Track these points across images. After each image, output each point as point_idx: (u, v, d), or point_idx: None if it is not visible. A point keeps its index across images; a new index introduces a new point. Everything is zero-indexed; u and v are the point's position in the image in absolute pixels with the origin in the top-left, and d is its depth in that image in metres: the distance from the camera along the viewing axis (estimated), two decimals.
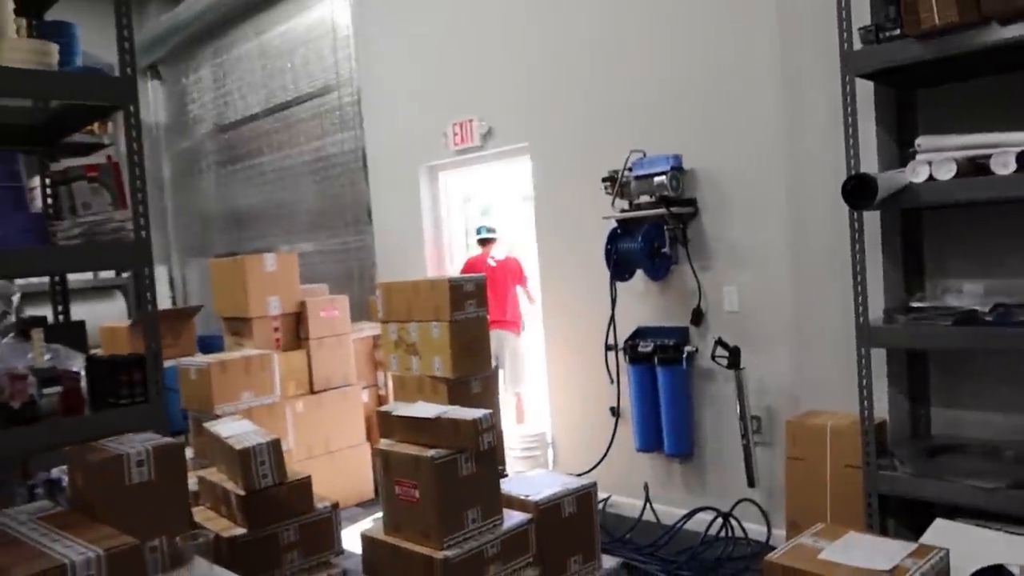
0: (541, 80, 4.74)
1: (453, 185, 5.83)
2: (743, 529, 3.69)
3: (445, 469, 2.74)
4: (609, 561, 3.23)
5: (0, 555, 1.78)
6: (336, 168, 6.67)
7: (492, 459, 2.88)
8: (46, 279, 3.17)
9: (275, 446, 3.00)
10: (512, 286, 5.34)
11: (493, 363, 5.78)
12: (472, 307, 3.84)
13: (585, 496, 3.15)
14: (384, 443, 2.98)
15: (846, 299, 3.00)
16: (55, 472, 2.90)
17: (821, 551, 2.45)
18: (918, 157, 2.77)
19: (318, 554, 3.03)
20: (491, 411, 2.84)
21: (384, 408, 3.10)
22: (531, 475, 3.38)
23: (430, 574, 2.68)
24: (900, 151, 3.12)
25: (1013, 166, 2.49)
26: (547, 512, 3.00)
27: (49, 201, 2.91)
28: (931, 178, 2.69)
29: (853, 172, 2.83)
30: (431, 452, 2.75)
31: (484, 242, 5.44)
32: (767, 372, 3.73)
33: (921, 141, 2.83)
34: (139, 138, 2.35)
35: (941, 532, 2.67)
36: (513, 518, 2.91)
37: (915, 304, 2.96)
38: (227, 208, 8.08)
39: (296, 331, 5.00)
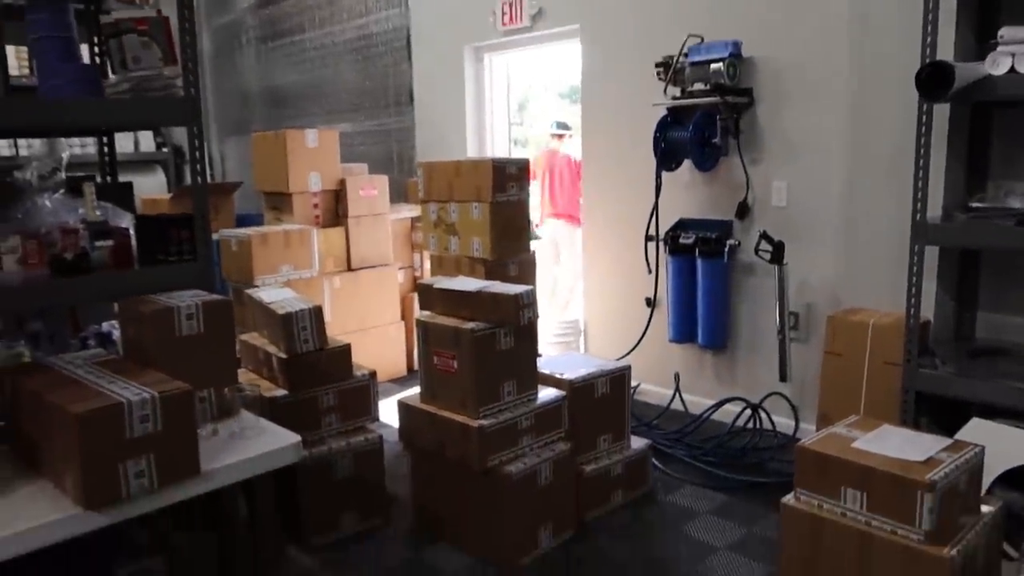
0: None
1: (498, 68, 5.67)
2: (771, 422, 3.73)
3: (484, 342, 2.77)
4: (637, 442, 3.30)
5: (60, 393, 1.86)
6: (379, 47, 6.49)
7: (530, 335, 2.91)
8: (92, 150, 3.17)
9: (316, 312, 3.05)
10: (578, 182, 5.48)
11: (554, 253, 6.15)
12: (514, 189, 3.80)
13: (618, 378, 3.19)
14: (424, 315, 3.01)
15: (901, 197, 2.91)
16: (105, 326, 3.00)
17: (855, 440, 2.47)
18: (999, 48, 2.61)
19: (355, 419, 3.12)
20: (532, 288, 2.85)
21: (425, 281, 3.12)
22: (567, 356, 3.42)
23: (466, 440, 2.76)
24: (978, 44, 2.95)
25: None
26: (580, 391, 3.05)
27: (98, 56, 2.89)
28: (1013, 70, 2.55)
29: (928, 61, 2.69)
30: (471, 325, 2.78)
31: (558, 137, 5.66)
32: (810, 269, 3.67)
33: (1005, 32, 2.65)
34: None
35: (977, 430, 2.68)
36: (548, 394, 2.97)
37: (975, 204, 2.86)
38: (267, 86, 7.98)
39: (335, 209, 5.01)
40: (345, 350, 3.12)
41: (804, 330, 3.73)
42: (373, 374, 3.19)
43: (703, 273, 3.94)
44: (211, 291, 2.42)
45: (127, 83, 2.44)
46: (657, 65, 4.02)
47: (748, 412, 3.70)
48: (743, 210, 3.88)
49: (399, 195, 5.77)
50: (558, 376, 3.06)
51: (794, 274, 3.67)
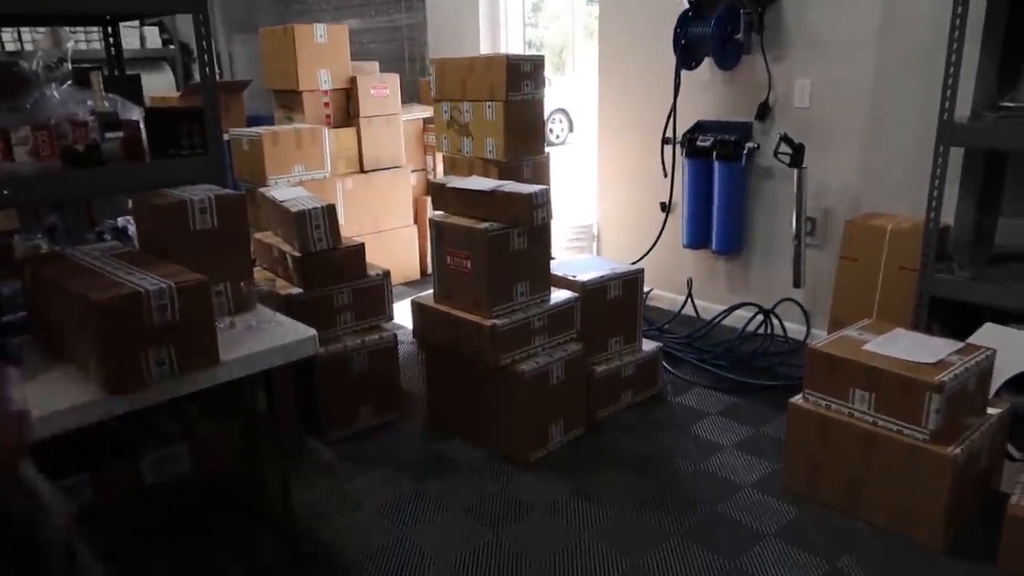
0: None
1: None
2: (783, 327, 3.74)
3: (497, 242, 2.76)
4: (648, 345, 3.33)
5: (80, 282, 1.87)
6: None
7: (544, 236, 2.89)
8: (98, 45, 3.08)
9: (330, 211, 3.03)
10: None
11: None
12: (529, 88, 3.70)
13: (631, 281, 3.19)
14: (437, 214, 2.99)
15: (929, 96, 2.82)
16: (121, 220, 3.00)
17: (866, 343, 2.48)
18: None
19: (370, 318, 3.15)
20: (547, 187, 2.81)
21: (438, 180, 3.09)
22: (580, 258, 3.42)
23: (479, 339, 2.79)
24: None
25: None
26: (593, 293, 3.05)
27: None
28: None
29: None
30: (484, 224, 2.76)
31: None
32: (830, 172, 3.60)
33: None
34: None
35: (990, 334, 2.69)
36: (560, 295, 2.97)
37: (1006, 103, 2.77)
38: None
39: (346, 108, 4.91)
40: (359, 249, 3.12)
41: (821, 236, 3.69)
42: (387, 274, 3.20)
43: (720, 177, 3.87)
44: (223, 187, 2.41)
45: None
46: None
47: (760, 317, 3.71)
48: (764, 111, 3.78)
49: (411, 95, 5.64)
50: (571, 278, 3.06)
51: (814, 178, 3.60)
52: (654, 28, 4.09)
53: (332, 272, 3.04)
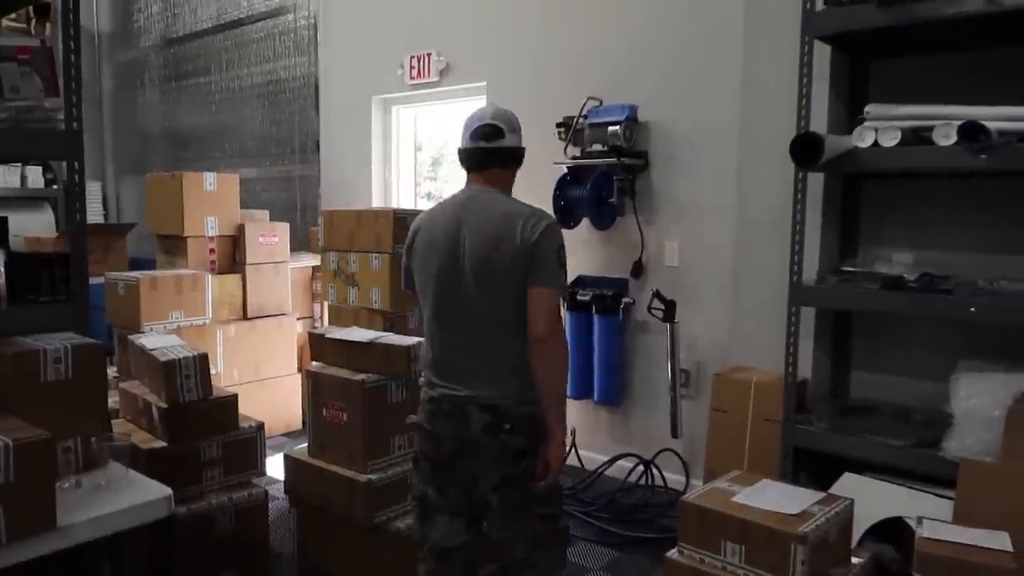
0: (502, 18, 4.65)
1: (406, 121, 5.72)
2: (663, 477, 3.80)
3: (375, 394, 2.73)
4: None
5: None
6: (286, 93, 6.47)
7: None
8: None
9: (202, 361, 2.94)
10: None
11: None
12: None
13: None
14: (315, 366, 2.95)
15: (783, 260, 3.06)
16: None
17: (735, 495, 2.53)
18: (866, 123, 2.82)
19: (240, 473, 3.00)
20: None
21: (317, 330, 3.07)
22: None
23: (352, 496, 2.69)
24: (849, 119, 3.17)
25: (954, 137, 2.55)
26: None
27: None
28: (876, 144, 2.75)
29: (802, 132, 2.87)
30: (362, 376, 2.73)
31: None
32: (700, 327, 3.81)
33: (870, 108, 2.88)
34: (76, 16, 2.21)
35: (849, 484, 2.80)
36: None
37: (846, 268, 3.04)
38: (169, 127, 7.79)
39: (233, 255, 4.88)
40: (231, 400, 3.01)
41: (695, 387, 3.84)
42: (261, 426, 3.08)
43: (599, 330, 4.02)
44: (87, 335, 2.30)
45: (4, 113, 2.34)
46: (558, 125, 4.15)
47: (641, 468, 3.76)
48: (638, 269, 4.01)
49: (302, 243, 5.68)
50: None
51: (685, 332, 3.79)
52: (536, 189, 4.30)
53: (201, 424, 2.91)
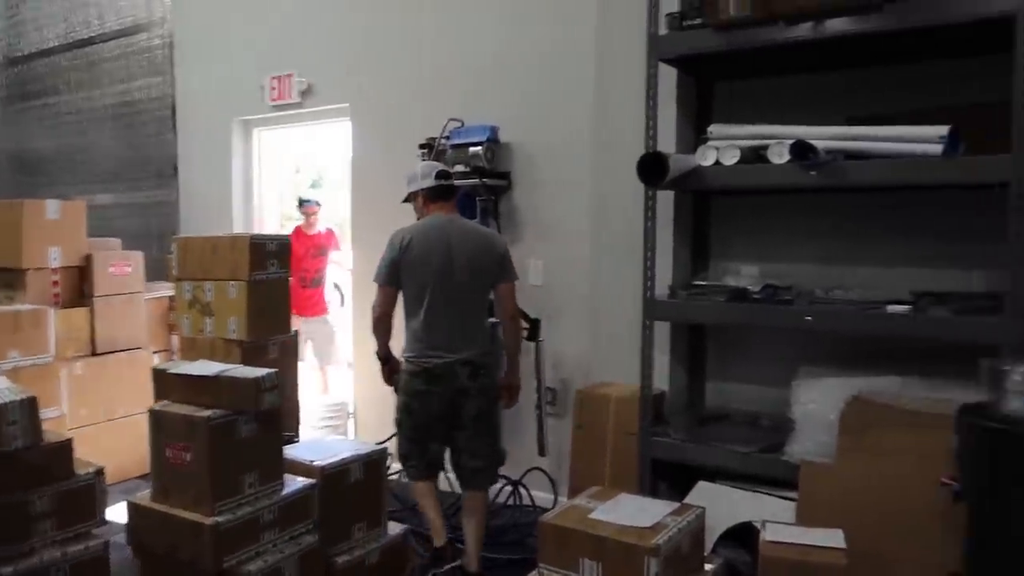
0: (363, 40, 4.60)
1: (267, 143, 5.55)
2: (531, 497, 3.79)
3: (222, 430, 2.58)
4: (395, 528, 3.21)
5: None
6: (141, 115, 6.15)
7: (274, 421, 2.76)
8: None
9: (30, 404, 2.69)
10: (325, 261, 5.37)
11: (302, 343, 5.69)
12: (275, 267, 3.68)
13: (374, 463, 3.09)
14: (159, 404, 2.78)
15: (638, 276, 3.14)
16: None
17: (593, 511, 2.55)
18: (709, 143, 2.94)
19: (76, 524, 2.76)
20: (275, 370, 2.71)
21: (160, 366, 2.89)
22: (321, 441, 3.29)
23: (199, 541, 2.53)
24: (696, 138, 3.30)
25: (787, 156, 2.68)
26: (332, 477, 2.91)
27: None
28: (717, 163, 2.86)
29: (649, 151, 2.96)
30: (207, 412, 2.59)
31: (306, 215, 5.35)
32: (565, 345, 3.85)
33: (713, 129, 3.00)
34: None
35: (702, 493, 2.87)
36: (295, 483, 2.81)
37: (697, 282, 3.14)
38: (14, 150, 7.26)
39: (80, 287, 4.56)
40: (65, 446, 2.77)
41: (561, 405, 3.87)
42: (100, 472, 2.86)
43: None
44: None
45: None
46: (421, 146, 4.13)
47: (509, 489, 3.74)
48: None
49: (160, 272, 5.39)
50: (308, 463, 2.92)
51: (551, 350, 3.82)
52: (402, 209, 4.26)
53: (29, 474, 2.66)
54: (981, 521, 1.99)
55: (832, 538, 2.35)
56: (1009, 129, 2.32)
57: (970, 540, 2.02)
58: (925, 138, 2.47)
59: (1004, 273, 2.38)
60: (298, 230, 5.35)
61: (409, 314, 3.16)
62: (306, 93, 4.91)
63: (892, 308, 2.62)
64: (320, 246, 5.35)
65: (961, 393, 2.39)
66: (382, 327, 3.25)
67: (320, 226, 5.36)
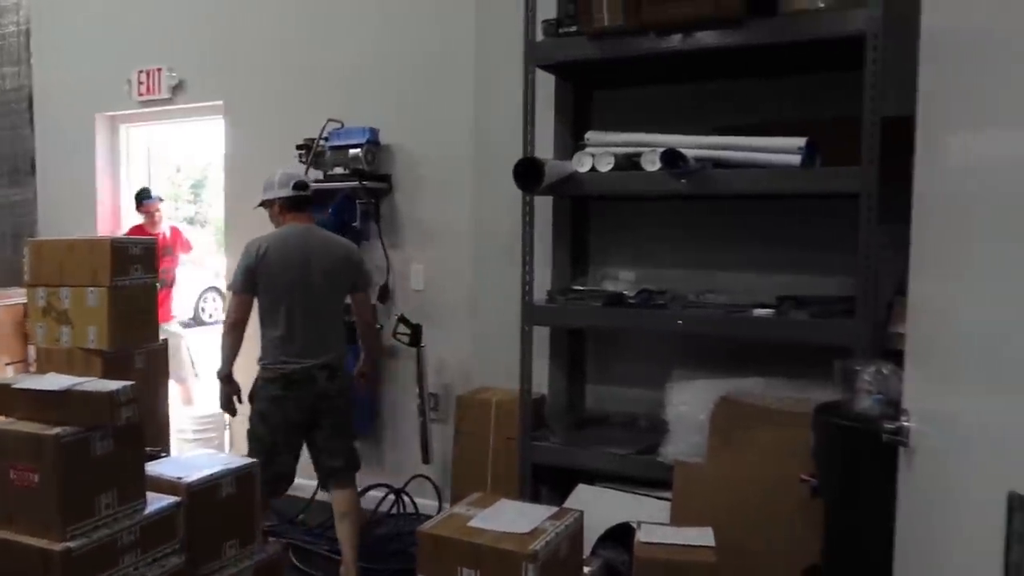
0: (238, 35, 4.42)
1: (137, 141, 5.24)
2: (415, 505, 3.74)
3: (73, 448, 2.40)
4: (272, 545, 3.08)
5: None
6: None
7: (134, 436, 2.58)
8: None
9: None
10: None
11: None
12: (139, 271, 3.46)
13: (247, 477, 2.95)
14: (2, 422, 2.55)
15: (518, 281, 3.14)
16: None
17: (472, 519, 2.52)
18: (586, 149, 2.97)
19: None
20: (132, 383, 2.54)
21: (2, 380, 2.66)
22: (189, 456, 3.12)
23: (47, 570, 2.34)
24: (575, 145, 3.34)
25: (658, 164, 2.75)
26: (200, 494, 2.75)
27: None
28: (593, 169, 2.90)
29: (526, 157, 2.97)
30: (56, 430, 2.39)
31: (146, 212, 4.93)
32: (447, 350, 3.82)
33: (590, 135, 3.04)
34: None
35: (582, 495, 2.90)
36: (159, 502, 2.64)
37: (576, 287, 3.18)
38: None
39: None
40: None
41: (444, 411, 3.83)
42: None
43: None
44: None
45: None
46: (298, 147, 4.00)
47: (392, 498, 3.67)
48: (384, 294, 3.94)
49: (15, 277, 4.99)
50: (173, 480, 2.75)
51: (433, 356, 3.78)
52: None
53: None
54: (835, 515, 2.09)
55: (702, 537, 2.41)
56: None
57: (827, 534, 2.12)
58: (785, 149, 2.59)
59: (859, 279, 2.52)
60: (139, 229, 5.00)
61: (266, 322, 3.16)
62: (177, 88, 4.67)
63: (757, 312, 2.73)
64: (164, 246, 5.03)
65: (821, 393, 2.52)
66: (236, 334, 3.21)
67: (164, 225, 5.04)
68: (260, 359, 3.21)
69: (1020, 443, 0.98)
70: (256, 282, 3.13)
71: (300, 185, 3.23)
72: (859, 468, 1.96)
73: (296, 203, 3.21)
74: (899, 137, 1.58)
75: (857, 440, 1.93)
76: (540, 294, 3.10)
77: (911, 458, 1.47)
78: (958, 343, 1.31)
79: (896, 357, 1.79)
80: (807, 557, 2.21)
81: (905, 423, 1.47)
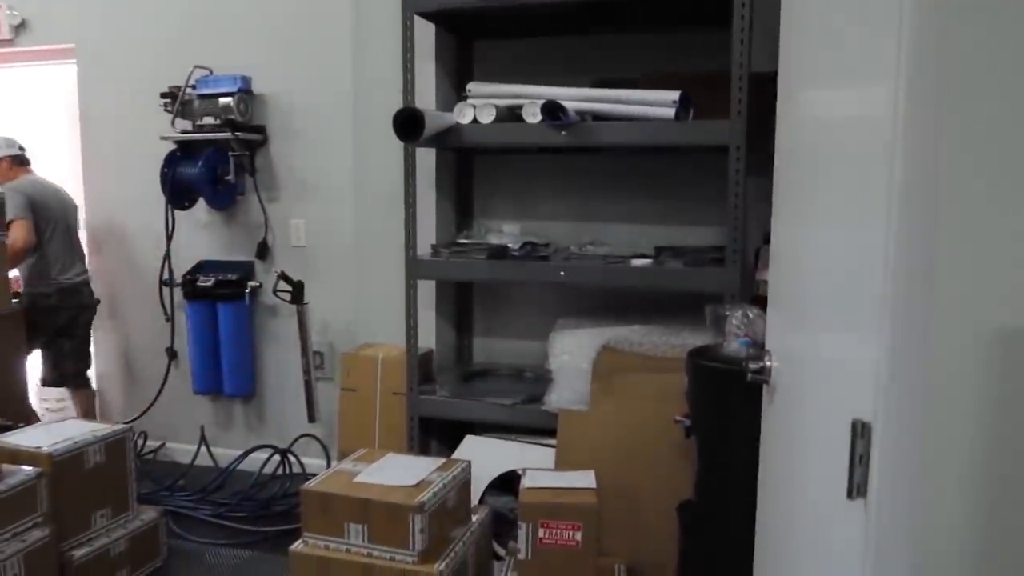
0: None
1: None
2: (301, 465, 3.68)
3: None
4: (148, 512, 2.96)
5: None
6: None
7: None
8: None
9: None
10: None
11: None
12: None
13: (116, 443, 2.82)
14: None
15: (401, 235, 3.10)
16: None
17: (358, 474, 2.51)
18: (467, 101, 2.93)
19: None
20: None
21: None
22: (52, 425, 2.94)
23: None
24: (458, 96, 3.29)
25: (539, 116, 2.74)
26: (64, 464, 2.62)
27: None
28: (475, 120, 2.87)
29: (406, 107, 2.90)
30: None
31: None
32: (330, 307, 3.73)
33: (471, 87, 3.00)
34: None
35: (471, 446, 2.94)
36: (18, 474, 2.49)
37: (460, 240, 3.16)
38: None
39: None
40: None
41: (330, 368, 3.76)
42: None
43: (224, 318, 3.75)
44: None
45: None
46: (163, 96, 3.75)
47: (277, 458, 3.60)
48: (263, 250, 3.80)
49: None
50: (33, 450, 2.60)
51: (316, 313, 3.69)
52: (143, 167, 3.89)
53: None
54: (705, 452, 2.21)
55: (585, 479, 2.50)
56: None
57: (698, 471, 2.24)
58: (660, 102, 2.64)
59: (728, 229, 2.63)
60: None
61: (42, 245, 3.66)
62: (20, 28, 4.26)
63: (636, 262, 2.80)
64: None
65: (695, 337, 2.64)
66: (27, 257, 3.62)
67: None
68: (30, 278, 3.75)
69: (860, 376, 1.05)
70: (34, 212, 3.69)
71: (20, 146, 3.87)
72: (728, 407, 2.06)
73: (23, 160, 3.84)
74: (770, 93, 1.64)
75: (725, 380, 2.03)
76: (424, 248, 3.06)
77: (772, 395, 1.57)
78: (806, 285, 1.40)
79: (762, 302, 1.89)
80: (683, 494, 2.33)
81: (767, 363, 1.55)
